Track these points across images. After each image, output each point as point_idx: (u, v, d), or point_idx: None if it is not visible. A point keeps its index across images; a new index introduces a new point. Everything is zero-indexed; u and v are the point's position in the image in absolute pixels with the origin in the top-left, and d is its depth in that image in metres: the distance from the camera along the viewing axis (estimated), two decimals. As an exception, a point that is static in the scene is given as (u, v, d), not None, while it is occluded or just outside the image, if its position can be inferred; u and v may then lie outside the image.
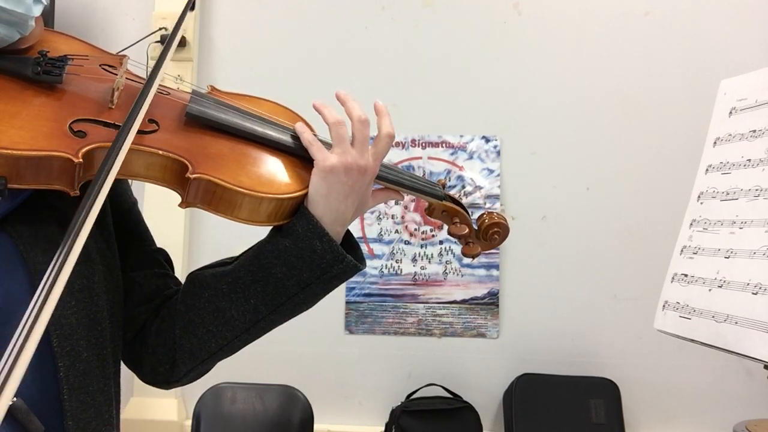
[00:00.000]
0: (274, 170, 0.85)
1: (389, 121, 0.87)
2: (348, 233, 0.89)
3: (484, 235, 1.00)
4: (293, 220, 0.83)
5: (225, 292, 0.84)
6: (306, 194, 0.84)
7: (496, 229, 0.99)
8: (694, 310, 1.19)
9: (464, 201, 1.70)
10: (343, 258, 0.82)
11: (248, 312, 0.84)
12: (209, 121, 0.84)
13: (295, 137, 0.87)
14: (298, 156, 0.87)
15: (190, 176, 0.78)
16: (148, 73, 0.80)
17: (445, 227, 1.00)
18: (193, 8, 0.93)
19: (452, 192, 1.45)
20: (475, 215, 0.98)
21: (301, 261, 0.82)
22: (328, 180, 0.82)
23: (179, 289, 0.93)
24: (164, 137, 0.80)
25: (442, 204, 0.98)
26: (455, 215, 0.99)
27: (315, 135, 0.87)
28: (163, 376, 0.91)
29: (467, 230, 0.98)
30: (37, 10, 0.79)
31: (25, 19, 0.78)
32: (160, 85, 0.86)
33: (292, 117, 0.93)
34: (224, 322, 0.85)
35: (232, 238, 1.54)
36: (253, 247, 0.88)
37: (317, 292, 0.85)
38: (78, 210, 0.61)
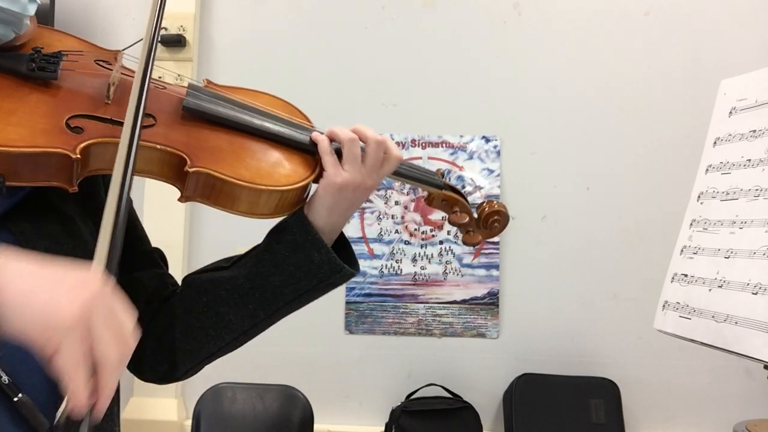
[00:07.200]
0: (273, 162, 0.85)
1: (395, 147, 0.90)
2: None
3: (485, 223, 1.00)
4: (293, 229, 0.84)
5: (223, 298, 0.86)
6: (305, 186, 0.85)
7: (496, 217, 0.99)
8: (694, 310, 1.19)
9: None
10: (340, 269, 0.84)
11: (246, 317, 0.86)
12: (206, 114, 0.84)
13: (293, 129, 0.88)
14: (297, 148, 0.87)
15: (189, 170, 0.77)
16: (140, 69, 0.78)
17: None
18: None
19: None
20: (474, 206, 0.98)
21: (299, 270, 0.84)
22: (335, 195, 0.84)
23: (175, 289, 0.93)
24: (161, 131, 0.80)
25: (441, 193, 0.98)
26: (455, 204, 0.98)
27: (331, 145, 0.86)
28: (162, 374, 0.92)
29: (467, 219, 0.98)
30: (32, 9, 0.79)
31: (20, 18, 0.77)
32: (156, 79, 0.86)
33: (288, 109, 0.93)
34: (223, 326, 0.86)
35: (233, 236, 1.54)
36: (249, 252, 0.89)
37: (313, 297, 0.87)
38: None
